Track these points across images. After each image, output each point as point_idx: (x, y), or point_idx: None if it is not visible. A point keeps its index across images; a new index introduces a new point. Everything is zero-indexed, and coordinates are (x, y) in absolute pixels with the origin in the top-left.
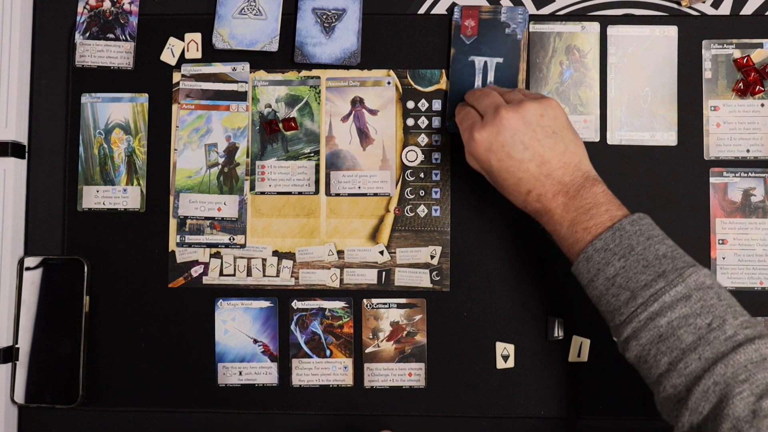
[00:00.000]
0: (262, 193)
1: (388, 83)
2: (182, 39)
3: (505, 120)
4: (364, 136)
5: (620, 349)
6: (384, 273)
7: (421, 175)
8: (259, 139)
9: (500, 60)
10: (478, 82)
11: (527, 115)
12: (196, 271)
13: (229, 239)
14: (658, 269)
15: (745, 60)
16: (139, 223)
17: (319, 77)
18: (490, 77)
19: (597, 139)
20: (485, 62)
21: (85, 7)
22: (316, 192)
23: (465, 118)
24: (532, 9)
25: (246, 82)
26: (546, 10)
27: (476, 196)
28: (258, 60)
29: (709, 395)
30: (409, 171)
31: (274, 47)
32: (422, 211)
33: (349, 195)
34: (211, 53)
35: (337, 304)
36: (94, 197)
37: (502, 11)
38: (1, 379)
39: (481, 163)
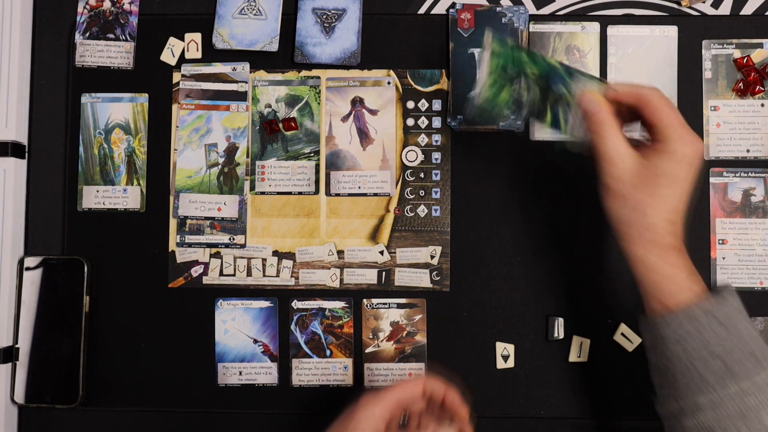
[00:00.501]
0: (262, 193)
1: (388, 83)
2: (182, 39)
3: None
4: (364, 136)
5: (673, 413)
6: (384, 273)
7: (421, 175)
8: (259, 139)
9: None
10: (479, 74)
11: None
12: (196, 271)
13: (229, 239)
14: (750, 347)
15: (745, 60)
16: (139, 223)
17: (319, 77)
18: None
19: None
20: None
21: (85, 7)
22: (316, 192)
23: (607, 118)
24: (532, 9)
25: (246, 82)
26: (546, 10)
27: (476, 196)
28: (258, 60)
29: None
30: (409, 171)
31: (274, 47)
32: (422, 211)
33: (349, 195)
34: (211, 53)
35: (337, 304)
36: (94, 197)
37: (499, 9)
38: (1, 379)
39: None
